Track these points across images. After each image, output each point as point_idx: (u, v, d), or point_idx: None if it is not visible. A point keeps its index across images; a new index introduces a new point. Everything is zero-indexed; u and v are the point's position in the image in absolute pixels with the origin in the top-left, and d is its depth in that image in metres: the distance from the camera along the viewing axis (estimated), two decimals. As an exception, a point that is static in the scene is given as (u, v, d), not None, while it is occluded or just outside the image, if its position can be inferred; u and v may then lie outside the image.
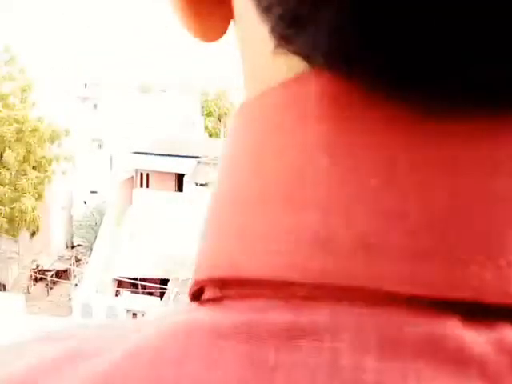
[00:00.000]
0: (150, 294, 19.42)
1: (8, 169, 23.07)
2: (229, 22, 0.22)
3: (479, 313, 0.15)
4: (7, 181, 22.81)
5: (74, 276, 21.52)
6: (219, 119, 39.19)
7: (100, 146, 31.26)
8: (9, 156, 22.70)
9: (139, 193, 22.50)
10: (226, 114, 51.81)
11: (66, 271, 21.75)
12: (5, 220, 21.80)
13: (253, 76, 0.21)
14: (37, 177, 23.87)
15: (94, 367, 0.17)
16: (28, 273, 23.28)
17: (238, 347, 0.16)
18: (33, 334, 0.19)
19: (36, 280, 22.87)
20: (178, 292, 19.74)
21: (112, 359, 0.17)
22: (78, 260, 23.28)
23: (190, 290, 0.19)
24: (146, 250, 22.13)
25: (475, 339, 0.15)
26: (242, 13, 0.20)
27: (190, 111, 41.99)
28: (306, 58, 0.17)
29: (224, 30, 0.22)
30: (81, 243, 25.27)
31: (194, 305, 0.19)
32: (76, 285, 20.42)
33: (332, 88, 0.17)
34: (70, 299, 19.82)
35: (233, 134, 0.20)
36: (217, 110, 55.00)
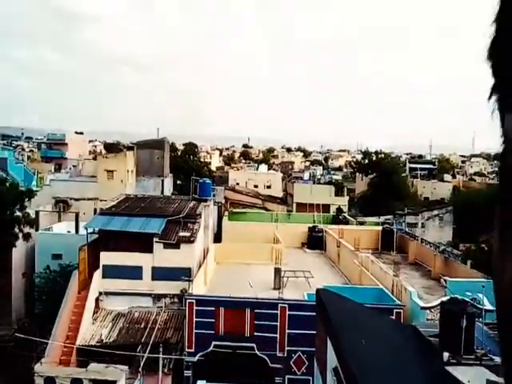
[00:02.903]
0: (118, 361, 18.36)
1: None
2: None
3: None
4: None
5: (36, 347, 20.23)
6: (188, 176, 39.15)
7: (65, 208, 30.52)
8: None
9: (106, 255, 21.79)
10: (195, 170, 51.93)
11: (27, 342, 20.41)
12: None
13: None
14: (-3, 241, 22.90)
15: None
16: (-14, 345, 21.79)
17: None
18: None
19: (-6, 353, 21.38)
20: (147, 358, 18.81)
21: None
22: (40, 329, 21.95)
23: None
24: (114, 316, 21.18)
25: None
26: None
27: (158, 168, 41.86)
28: None
29: None
30: (43, 311, 23.97)
31: None
32: (38, 356, 19.17)
33: None
34: (32, 372, 18.51)
35: None
36: (185, 166, 55.20)
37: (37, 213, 26.62)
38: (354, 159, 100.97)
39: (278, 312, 19.50)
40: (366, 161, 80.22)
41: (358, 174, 73.76)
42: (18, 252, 25.31)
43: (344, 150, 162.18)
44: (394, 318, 18.30)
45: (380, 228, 34.71)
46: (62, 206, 30.77)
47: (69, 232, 27.06)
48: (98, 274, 21.53)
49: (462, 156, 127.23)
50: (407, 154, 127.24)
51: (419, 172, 77.98)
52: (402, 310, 18.87)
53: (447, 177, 76.92)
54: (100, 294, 21.54)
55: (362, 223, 39.36)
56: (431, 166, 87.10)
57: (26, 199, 25.08)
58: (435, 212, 39.26)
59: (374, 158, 78.23)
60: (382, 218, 40.09)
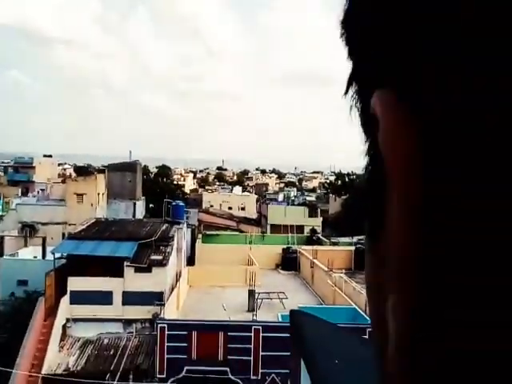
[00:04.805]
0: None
1: None
2: None
3: None
4: None
5: (1, 375, 19.30)
6: (161, 198, 38.73)
7: (32, 233, 29.55)
8: None
9: (75, 281, 21.14)
10: (168, 192, 51.55)
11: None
12: None
13: None
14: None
15: None
16: None
17: None
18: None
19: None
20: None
21: None
22: (4, 358, 21.00)
23: None
24: (82, 343, 20.46)
25: None
26: None
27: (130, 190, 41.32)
28: None
29: None
30: (8, 339, 22.95)
31: None
32: (1, 388, 18.28)
33: None
34: (-7, 406, 17.61)
35: None
36: (158, 189, 54.73)
37: (1, 238, 25.75)
38: (328, 180, 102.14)
39: (252, 334, 19.19)
40: (339, 182, 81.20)
41: (331, 195, 74.44)
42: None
43: (318, 172, 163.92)
44: (367, 337, 18.26)
45: (353, 248, 34.88)
46: (28, 230, 29.84)
47: (35, 257, 26.21)
48: (65, 300, 20.84)
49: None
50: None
51: (391, 192, 79.11)
52: (375, 329, 18.86)
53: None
54: (67, 320, 20.82)
55: (335, 243, 39.52)
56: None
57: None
58: (407, 231, 39.64)
59: (347, 180, 79.31)
60: (355, 238, 40.34)
